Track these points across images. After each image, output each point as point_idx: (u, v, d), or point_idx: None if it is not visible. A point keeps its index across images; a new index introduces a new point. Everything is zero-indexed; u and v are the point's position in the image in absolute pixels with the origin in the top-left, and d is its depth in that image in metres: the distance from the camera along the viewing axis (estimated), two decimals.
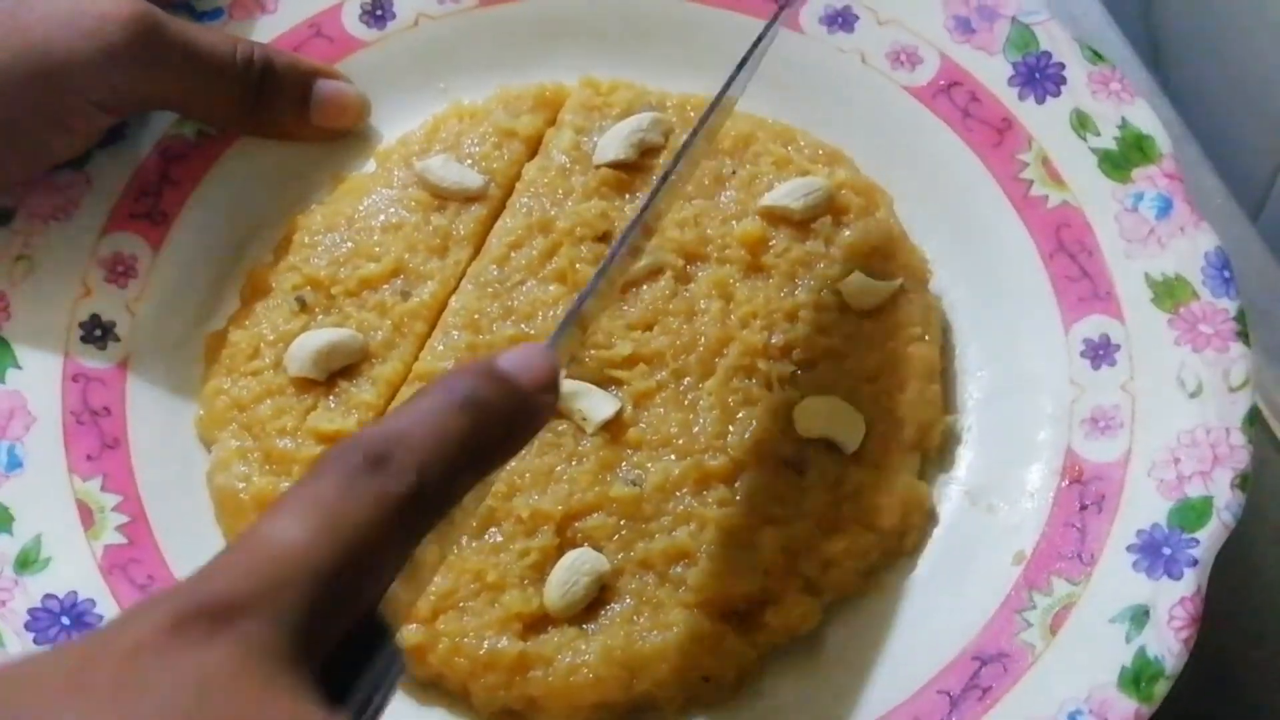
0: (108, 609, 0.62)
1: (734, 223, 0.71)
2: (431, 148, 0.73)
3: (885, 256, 0.71)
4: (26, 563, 0.63)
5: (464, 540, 0.64)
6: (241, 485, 0.66)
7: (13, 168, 0.68)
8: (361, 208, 0.72)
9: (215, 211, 0.73)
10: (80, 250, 0.70)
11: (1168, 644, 0.60)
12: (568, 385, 0.67)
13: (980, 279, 0.71)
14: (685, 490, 0.65)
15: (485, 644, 0.62)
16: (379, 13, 0.76)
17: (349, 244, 0.71)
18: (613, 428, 0.66)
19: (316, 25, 0.76)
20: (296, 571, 0.40)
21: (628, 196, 0.72)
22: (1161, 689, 0.59)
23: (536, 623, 0.63)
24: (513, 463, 0.63)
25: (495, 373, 0.48)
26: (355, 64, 0.76)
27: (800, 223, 0.71)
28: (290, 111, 0.73)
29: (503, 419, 0.48)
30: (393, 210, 0.72)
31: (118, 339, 0.69)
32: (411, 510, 0.44)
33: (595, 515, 0.65)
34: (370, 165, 0.75)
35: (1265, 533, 0.64)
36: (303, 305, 0.70)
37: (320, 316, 0.70)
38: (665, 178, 0.62)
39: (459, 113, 0.75)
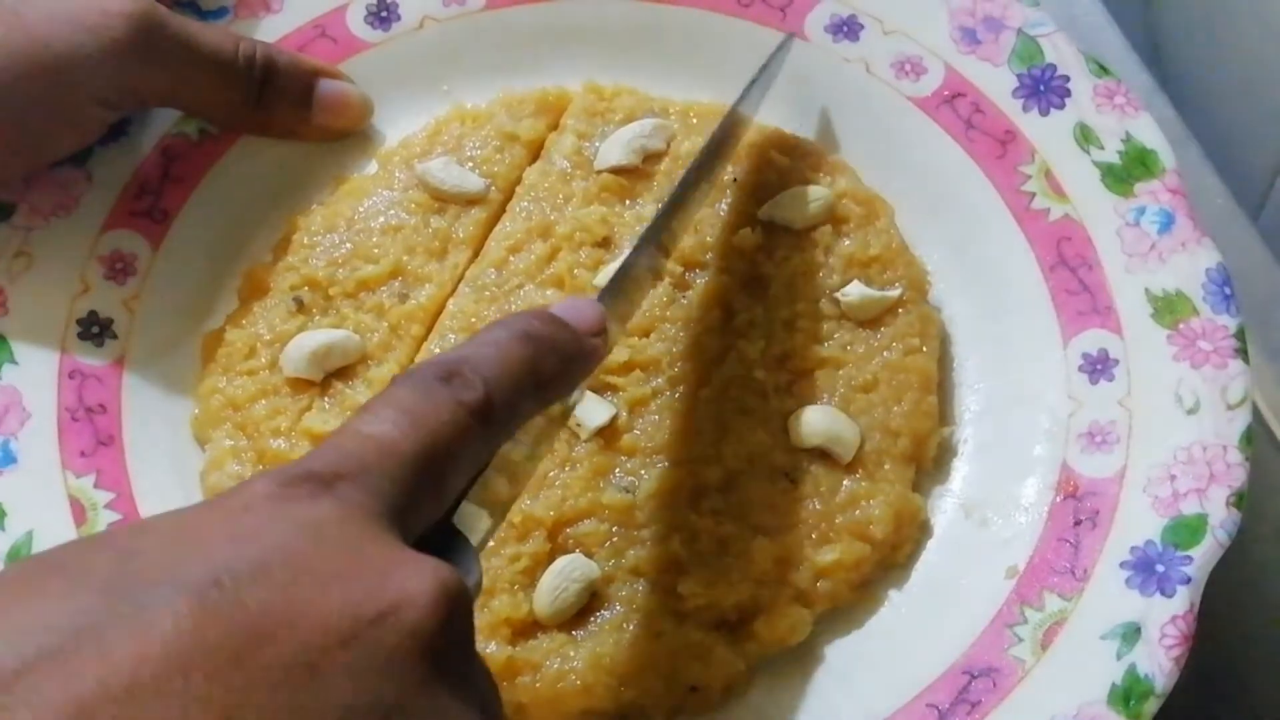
0: None
1: (734, 231, 0.71)
2: (433, 150, 0.73)
3: (885, 267, 0.70)
4: (17, 558, 0.63)
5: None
6: (233, 485, 0.65)
7: (15, 163, 0.68)
8: (361, 209, 0.72)
9: (216, 210, 0.73)
10: (80, 247, 0.70)
11: (1158, 662, 0.59)
12: None
13: (980, 291, 0.71)
14: (678, 499, 0.65)
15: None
16: (384, 14, 0.76)
17: (348, 245, 0.71)
18: (607, 434, 0.66)
19: (321, 26, 0.76)
20: (386, 456, 0.45)
21: (628, 202, 0.72)
22: (1151, 707, 0.59)
23: (526, 628, 0.63)
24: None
25: (551, 315, 0.54)
26: (359, 65, 0.76)
27: (800, 232, 0.71)
28: (292, 110, 0.73)
29: (558, 351, 0.53)
30: (392, 212, 0.72)
31: (115, 336, 0.69)
32: (480, 418, 0.48)
33: (587, 521, 0.65)
34: (372, 166, 0.75)
35: (1265, 533, 0.65)
36: (300, 306, 0.70)
37: (317, 317, 0.70)
38: (675, 200, 0.64)
39: (461, 115, 0.75)
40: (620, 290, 0.61)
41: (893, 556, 0.66)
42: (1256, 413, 0.67)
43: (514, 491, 0.55)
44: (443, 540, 0.48)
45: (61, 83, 0.65)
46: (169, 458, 0.68)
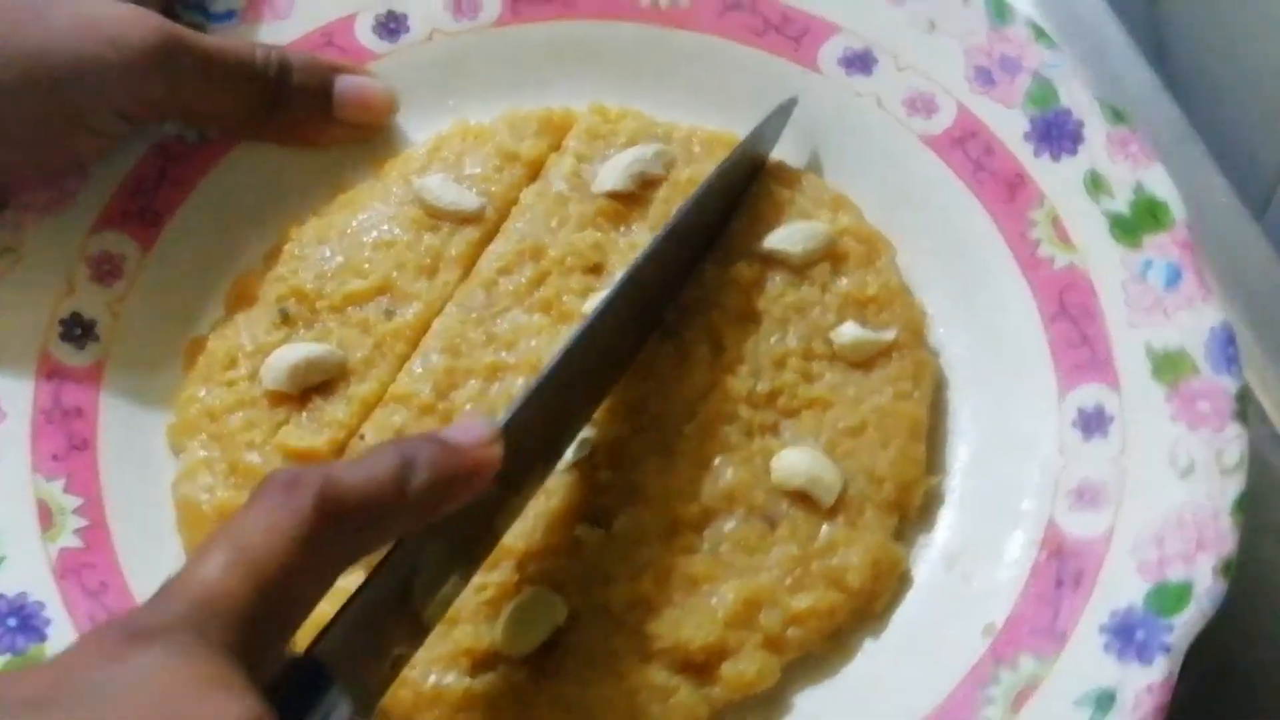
0: (56, 613, 0.62)
1: (729, 265, 0.69)
2: (432, 165, 0.73)
3: (881, 308, 0.69)
4: None
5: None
6: (205, 496, 0.65)
7: (28, 170, 0.68)
8: (355, 222, 0.71)
9: (209, 215, 0.72)
10: (68, 246, 0.70)
11: None
12: None
13: (979, 337, 0.69)
14: (652, 535, 0.64)
15: (431, 678, 0.61)
16: (392, 26, 0.76)
17: (339, 258, 0.70)
18: (583, 467, 0.65)
19: (329, 34, 0.75)
20: (218, 604, 0.45)
21: (623, 229, 0.71)
22: None
23: (487, 660, 0.62)
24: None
25: (434, 436, 0.53)
26: None
27: (798, 267, 0.69)
28: (312, 110, 0.72)
29: (433, 465, 0.51)
30: (386, 227, 0.71)
31: (97, 339, 0.69)
32: (323, 523, 0.48)
33: (558, 555, 0.63)
34: (370, 179, 0.74)
35: (1266, 533, 0.64)
36: (285, 317, 0.69)
37: (302, 330, 0.69)
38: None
39: (463, 132, 0.74)
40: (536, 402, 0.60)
41: (869, 606, 0.64)
42: (1258, 413, 0.66)
43: (461, 583, 0.57)
44: (309, 676, 0.49)
45: (83, 92, 0.65)
46: (143, 465, 0.67)
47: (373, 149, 0.75)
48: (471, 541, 0.59)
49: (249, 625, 0.45)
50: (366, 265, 0.70)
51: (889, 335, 0.68)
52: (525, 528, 0.64)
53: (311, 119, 0.73)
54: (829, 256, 0.70)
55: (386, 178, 0.73)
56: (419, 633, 0.57)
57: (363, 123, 0.74)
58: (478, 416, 0.56)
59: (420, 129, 0.75)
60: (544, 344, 0.67)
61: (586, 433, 0.66)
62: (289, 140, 0.73)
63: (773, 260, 0.70)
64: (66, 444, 0.66)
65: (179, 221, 0.72)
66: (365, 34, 0.75)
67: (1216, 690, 0.62)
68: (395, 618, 0.54)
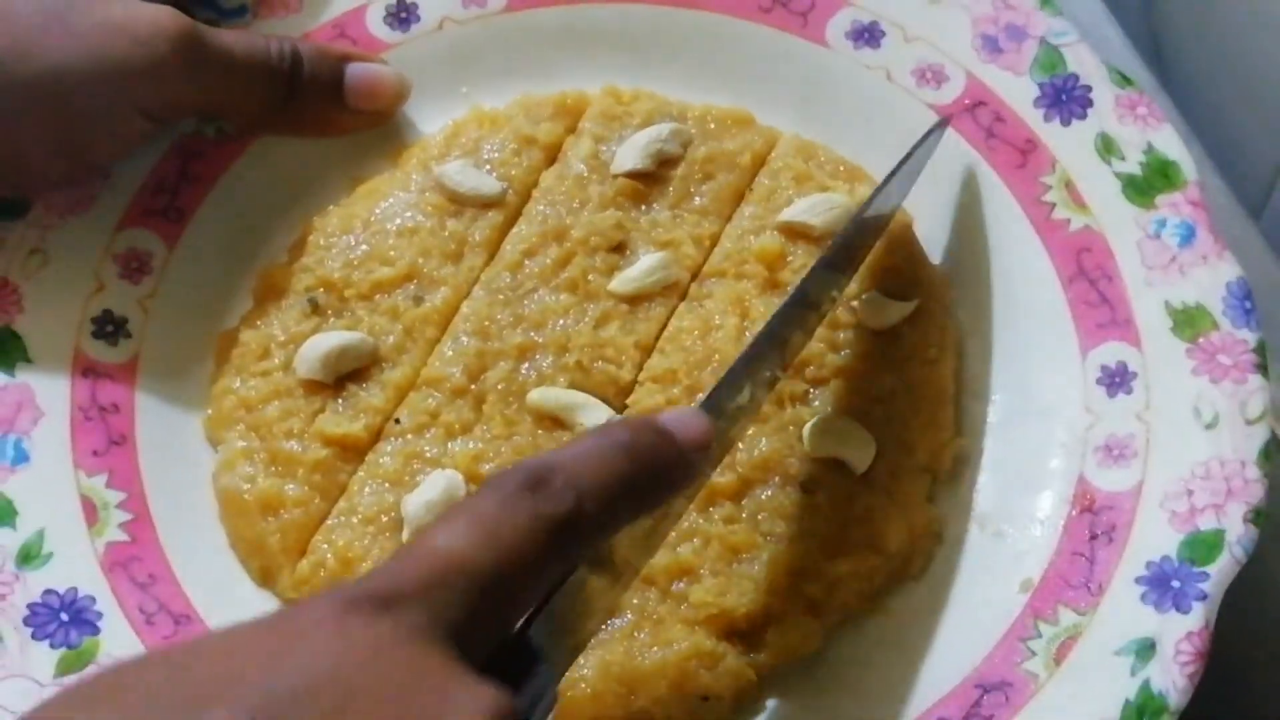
0: (107, 606, 0.62)
1: (752, 238, 0.70)
2: (450, 153, 0.73)
3: (903, 276, 0.70)
4: (28, 557, 0.63)
5: None
6: (246, 486, 0.66)
7: (55, 168, 0.68)
8: (378, 211, 0.72)
9: (232, 210, 0.73)
10: (95, 245, 0.70)
11: (1173, 678, 0.59)
12: (571, 397, 0.66)
13: (999, 302, 0.71)
14: (691, 506, 0.64)
15: None
16: (403, 15, 0.76)
17: (364, 247, 0.71)
18: None
19: (340, 26, 0.76)
20: (455, 574, 0.45)
21: (644, 207, 0.72)
22: None
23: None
24: None
25: (655, 425, 0.52)
26: None
27: (819, 239, 0.70)
28: (324, 99, 0.73)
29: (658, 464, 0.51)
30: (409, 214, 0.72)
31: (129, 335, 0.69)
32: (567, 531, 0.47)
33: None
34: (389, 169, 0.74)
35: (1266, 532, 0.63)
36: (315, 307, 0.69)
37: (332, 319, 0.69)
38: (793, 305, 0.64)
39: (479, 118, 0.74)
40: (725, 404, 0.59)
41: (905, 568, 0.66)
42: (1273, 446, 0.66)
43: (616, 591, 0.56)
44: (519, 656, 0.48)
45: (111, 92, 0.66)
46: (181, 458, 0.68)
47: (390, 138, 0.75)
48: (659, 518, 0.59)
49: (484, 600, 0.45)
50: (392, 253, 0.70)
51: (912, 303, 0.69)
52: None
53: (324, 109, 0.73)
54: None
55: (405, 166, 0.74)
56: (614, 608, 0.57)
57: (375, 110, 0.74)
58: (693, 411, 0.55)
59: (435, 117, 0.76)
60: (571, 323, 0.68)
61: (622, 407, 0.67)
62: (303, 131, 0.74)
63: (794, 233, 0.71)
64: (106, 440, 0.66)
65: (203, 217, 0.72)
66: (376, 24, 0.76)
67: (1217, 690, 0.61)
68: (597, 594, 0.54)
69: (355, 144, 0.75)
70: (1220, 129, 0.84)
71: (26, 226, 0.70)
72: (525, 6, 0.77)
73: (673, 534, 0.64)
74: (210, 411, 0.69)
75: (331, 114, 0.73)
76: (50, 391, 0.67)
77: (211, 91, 0.69)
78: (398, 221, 0.71)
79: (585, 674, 0.61)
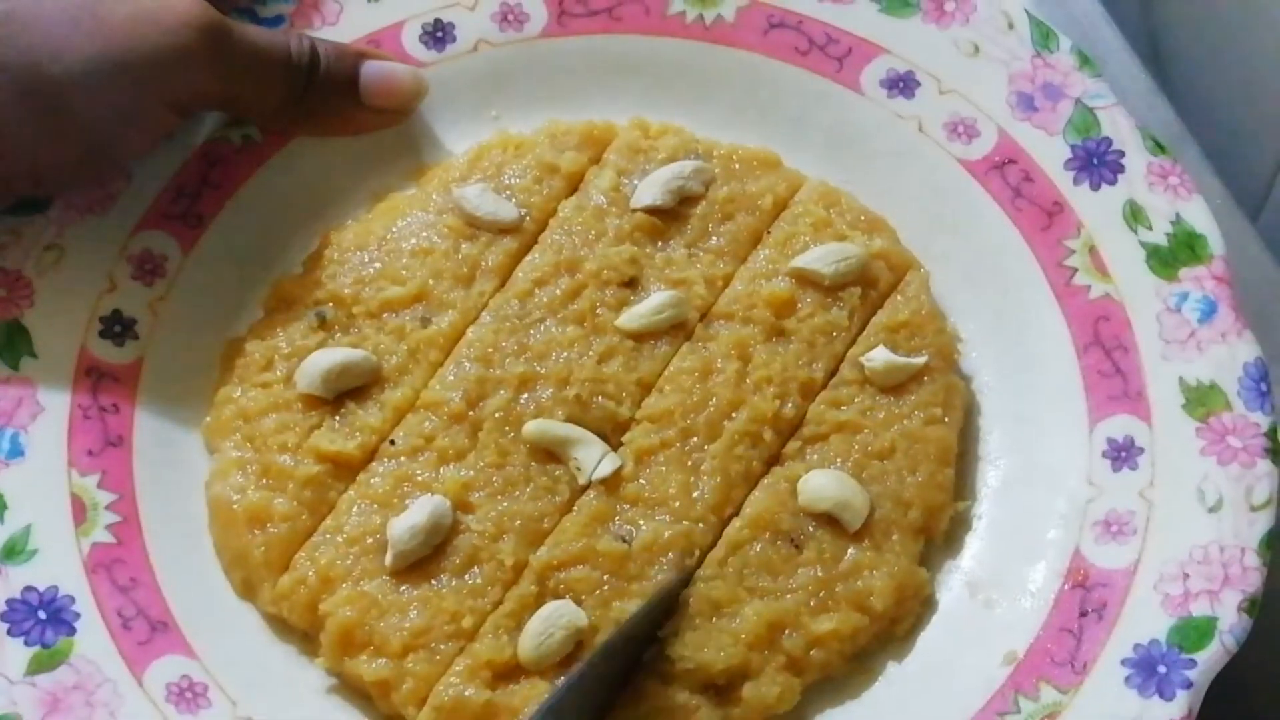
0: (86, 607, 0.63)
1: (763, 282, 0.69)
2: (472, 175, 0.73)
3: (913, 333, 0.69)
4: (13, 552, 0.63)
5: (444, 579, 0.63)
6: (236, 497, 0.65)
7: (81, 171, 0.69)
8: (395, 229, 0.72)
9: (250, 218, 0.73)
10: (111, 245, 0.70)
11: None
12: (567, 431, 0.66)
13: (1012, 364, 0.69)
14: (673, 553, 0.64)
15: (451, 690, 0.61)
16: (439, 35, 0.76)
17: (377, 264, 0.71)
18: (610, 480, 0.65)
19: (376, 41, 0.75)
20: None
21: (660, 244, 0.71)
22: None
23: (508, 672, 0.62)
24: (504, 504, 0.64)
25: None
26: None
27: (829, 289, 0.69)
28: (340, 94, 0.72)
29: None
30: (424, 234, 0.71)
31: (136, 337, 0.69)
32: None
33: (579, 568, 0.64)
34: (411, 187, 0.74)
35: (1266, 533, 0.63)
36: (322, 321, 0.69)
37: (338, 334, 0.69)
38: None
39: (504, 143, 0.74)
40: None
41: (892, 629, 0.65)
42: (1274, 536, 0.64)
43: None
44: None
45: (140, 84, 0.66)
46: (177, 463, 0.68)
47: (414, 156, 0.75)
48: None
49: None
50: (404, 272, 0.70)
51: (920, 360, 0.68)
52: (548, 541, 0.64)
53: (340, 104, 0.73)
54: (861, 280, 0.70)
55: (427, 185, 0.73)
56: None
57: (391, 107, 0.74)
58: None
59: (462, 139, 0.75)
60: (575, 356, 0.68)
61: (611, 448, 0.66)
62: (320, 129, 0.74)
63: (804, 279, 0.70)
64: (103, 440, 0.67)
65: (221, 224, 0.72)
66: (412, 42, 0.76)
67: (1217, 691, 0.60)
68: None
69: (379, 160, 0.75)
70: (1218, 131, 0.83)
71: (45, 221, 0.70)
72: (562, 34, 0.76)
73: (651, 582, 0.63)
74: (210, 419, 0.68)
75: (347, 111, 0.73)
76: (52, 388, 0.67)
77: (233, 82, 0.69)
78: (413, 241, 0.71)
79: None
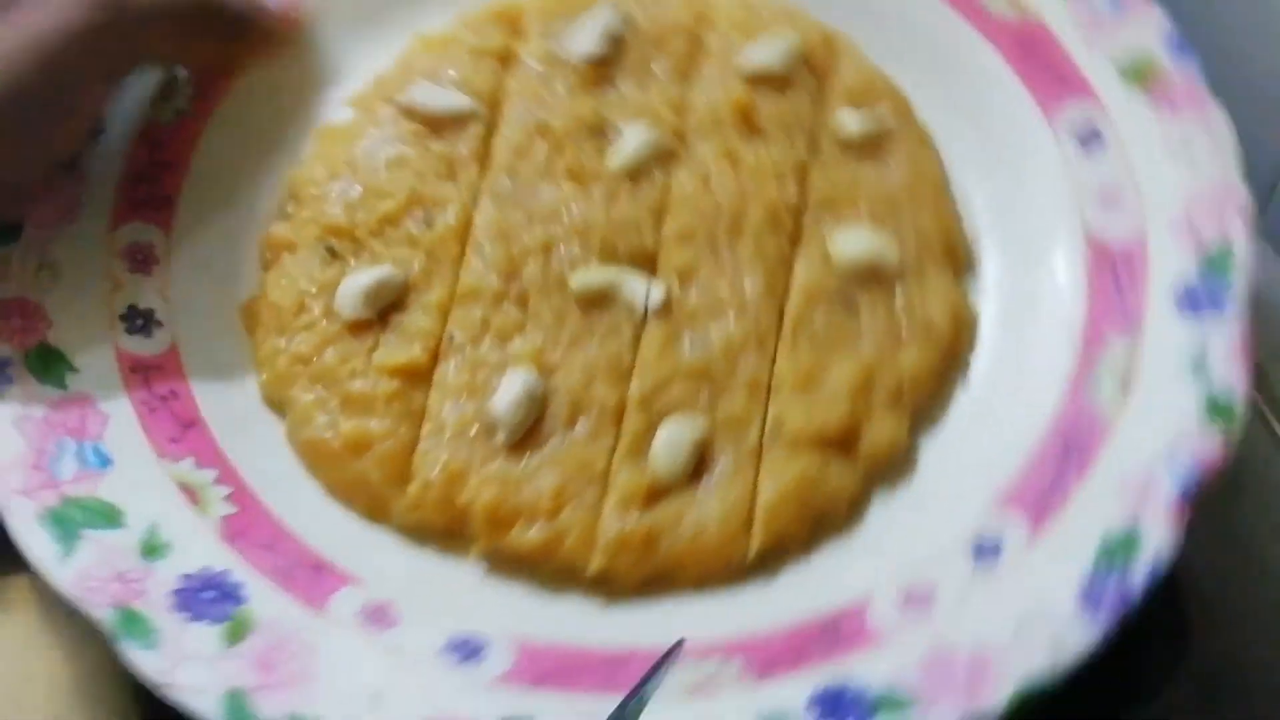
0: (245, 575, 0.63)
1: (720, 92, 0.73)
2: (408, 82, 0.74)
3: (866, 95, 0.74)
4: (152, 551, 0.63)
5: (557, 437, 0.66)
6: (329, 434, 0.66)
7: (28, 170, 0.68)
8: (358, 151, 0.73)
9: (214, 184, 0.73)
10: (98, 247, 0.69)
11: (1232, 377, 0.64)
12: (609, 275, 0.69)
13: (957, 101, 0.74)
14: (750, 346, 0.68)
15: (612, 526, 0.64)
16: None
17: (357, 187, 0.72)
18: (665, 305, 0.69)
19: None
20: None
21: (610, 87, 0.74)
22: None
23: (654, 494, 0.65)
24: (580, 355, 0.67)
25: None
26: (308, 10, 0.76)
27: (782, 79, 0.73)
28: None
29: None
30: (390, 147, 0.73)
31: (160, 324, 0.69)
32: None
33: (675, 387, 0.67)
34: (347, 113, 0.75)
35: (1266, 531, 0.67)
36: (333, 254, 0.70)
37: (352, 261, 0.70)
38: None
39: (425, 44, 0.75)
40: None
41: (954, 353, 0.69)
42: (1259, 411, 0.70)
43: None
44: None
45: (57, 69, 0.65)
46: (250, 427, 0.68)
47: (341, 85, 0.76)
48: None
49: None
50: (387, 185, 0.71)
51: (886, 117, 0.73)
52: (635, 374, 0.67)
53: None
54: (805, 60, 0.74)
55: (368, 103, 0.74)
56: None
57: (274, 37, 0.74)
58: None
59: (377, 54, 0.76)
60: (583, 208, 0.70)
61: (653, 279, 0.69)
62: (217, 69, 0.75)
63: (756, 79, 0.74)
64: (178, 426, 0.66)
65: (189, 198, 0.72)
66: None
67: (1217, 690, 0.64)
68: None
69: (307, 96, 0.76)
70: None
71: (25, 246, 0.68)
72: None
73: (742, 372, 0.67)
74: (264, 376, 0.69)
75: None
76: (107, 394, 0.66)
77: (145, 36, 0.68)
78: (381, 156, 0.72)
79: (710, 518, 0.64)
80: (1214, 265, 0.67)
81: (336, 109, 0.76)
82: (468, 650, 0.62)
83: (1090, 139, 0.71)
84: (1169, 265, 0.68)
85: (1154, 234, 0.68)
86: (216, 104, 0.74)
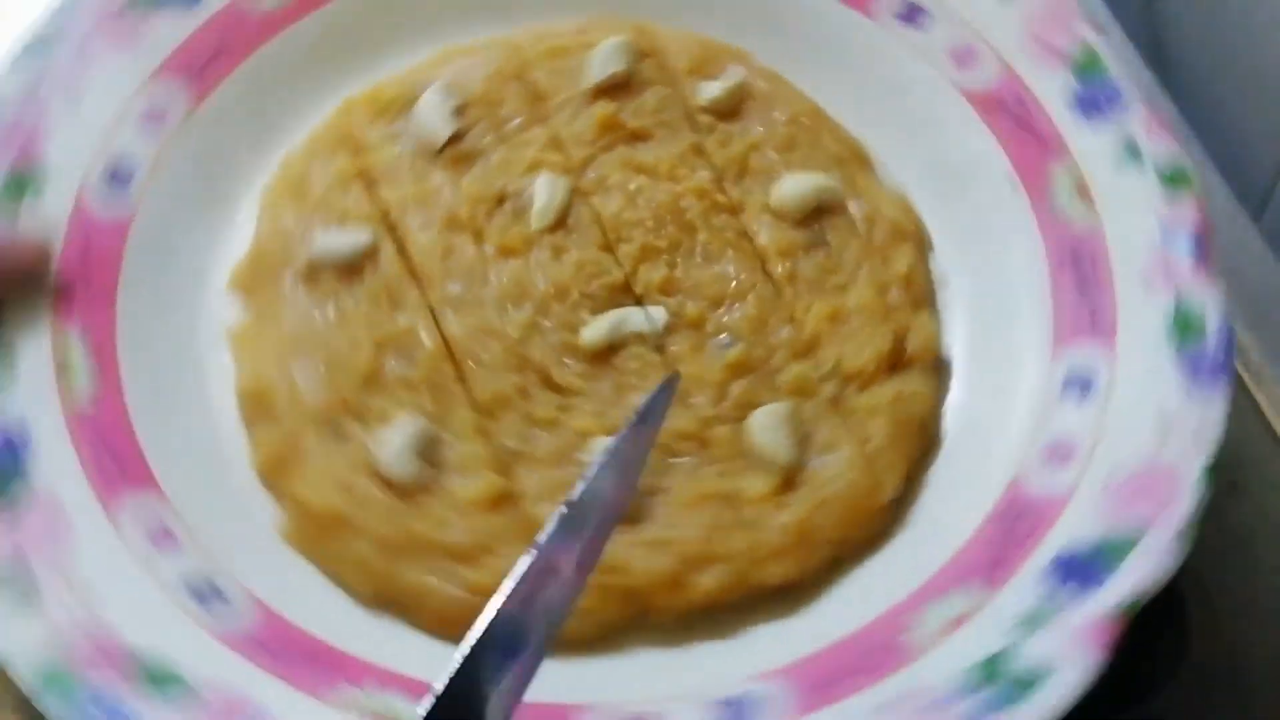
0: None
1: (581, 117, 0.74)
2: (292, 239, 0.71)
3: (709, 63, 0.76)
4: None
5: (675, 462, 0.65)
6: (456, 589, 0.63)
7: None
8: (289, 332, 0.68)
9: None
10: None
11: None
12: (613, 319, 0.68)
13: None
14: (771, 320, 0.69)
15: (774, 533, 0.64)
16: None
17: (319, 364, 0.67)
18: (670, 324, 0.69)
19: None
20: None
21: (480, 158, 0.73)
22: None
23: (785, 482, 0.65)
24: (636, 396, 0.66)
25: None
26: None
27: (626, 82, 0.75)
28: None
29: None
30: (319, 310, 0.68)
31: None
32: None
33: (735, 385, 0.67)
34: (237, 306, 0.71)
35: (1266, 531, 0.66)
36: (343, 434, 0.65)
37: (364, 430, 0.65)
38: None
39: (278, 194, 0.73)
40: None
41: (918, 235, 0.73)
42: (1258, 411, 0.70)
43: None
44: None
45: None
46: None
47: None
48: None
49: None
50: (346, 346, 0.67)
51: (736, 71, 0.75)
52: (694, 385, 0.67)
53: None
54: (640, 57, 0.75)
55: (257, 284, 0.71)
56: None
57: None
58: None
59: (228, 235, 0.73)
60: (542, 274, 0.70)
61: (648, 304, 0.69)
62: None
63: (601, 90, 0.74)
64: None
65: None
66: None
67: (1216, 690, 0.63)
68: None
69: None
70: (1221, 130, 0.85)
71: None
72: None
73: (783, 354, 0.68)
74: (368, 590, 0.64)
75: None
76: None
77: None
78: (319, 323, 0.68)
79: (845, 476, 0.65)
80: (1087, 69, 0.71)
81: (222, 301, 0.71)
82: None
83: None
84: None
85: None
86: None
